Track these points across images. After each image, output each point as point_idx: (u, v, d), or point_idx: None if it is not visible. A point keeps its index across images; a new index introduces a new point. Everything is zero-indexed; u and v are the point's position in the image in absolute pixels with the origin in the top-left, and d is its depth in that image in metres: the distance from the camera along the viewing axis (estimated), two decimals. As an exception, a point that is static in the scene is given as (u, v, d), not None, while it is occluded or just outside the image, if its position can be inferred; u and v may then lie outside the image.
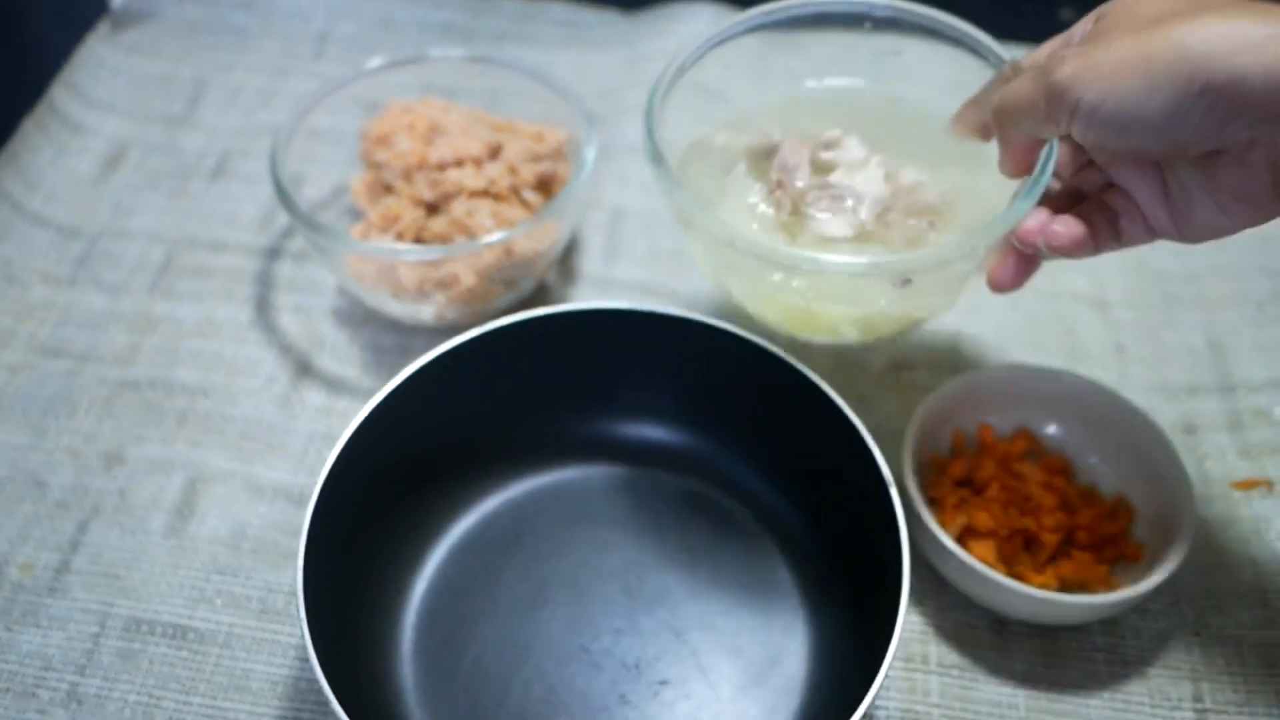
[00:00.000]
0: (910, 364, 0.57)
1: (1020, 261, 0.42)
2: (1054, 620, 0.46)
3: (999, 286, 0.42)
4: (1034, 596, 0.43)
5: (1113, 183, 0.40)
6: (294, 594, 0.48)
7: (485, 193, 0.55)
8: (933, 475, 0.50)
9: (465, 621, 0.46)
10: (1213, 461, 0.53)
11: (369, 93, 0.61)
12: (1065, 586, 0.46)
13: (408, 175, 0.55)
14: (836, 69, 0.52)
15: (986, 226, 0.41)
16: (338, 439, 0.43)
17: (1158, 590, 0.48)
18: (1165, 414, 0.55)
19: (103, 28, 0.75)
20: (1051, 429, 0.52)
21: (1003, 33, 0.79)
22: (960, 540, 0.46)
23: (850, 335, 0.47)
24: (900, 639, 0.38)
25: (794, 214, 0.46)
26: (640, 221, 0.64)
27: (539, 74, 0.60)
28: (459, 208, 0.54)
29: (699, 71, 0.49)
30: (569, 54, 0.75)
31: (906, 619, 0.38)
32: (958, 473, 0.49)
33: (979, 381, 0.50)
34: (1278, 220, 0.37)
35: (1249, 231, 0.38)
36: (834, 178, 0.47)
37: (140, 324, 0.59)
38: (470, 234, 0.53)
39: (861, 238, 0.45)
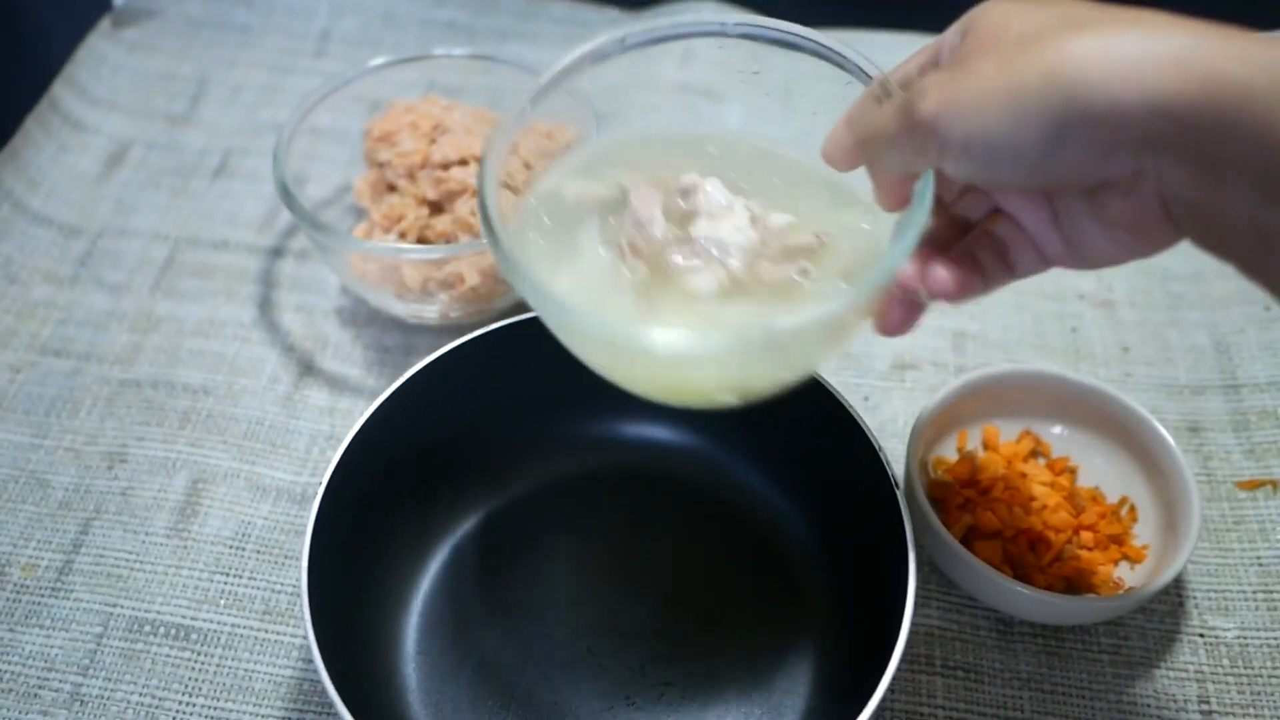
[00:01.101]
0: (915, 364, 0.57)
1: (908, 306, 0.37)
2: (1059, 621, 0.46)
3: (888, 333, 0.37)
4: (1039, 597, 0.43)
5: (999, 209, 0.36)
6: (297, 594, 0.48)
7: (488, 192, 0.55)
8: (937, 476, 0.50)
9: (469, 622, 0.46)
10: (1218, 461, 0.53)
11: (372, 91, 0.61)
12: (1070, 587, 0.46)
13: (411, 174, 0.55)
14: (697, 101, 0.47)
15: (856, 286, 0.35)
16: (341, 439, 0.43)
17: (1163, 591, 0.47)
18: (1170, 413, 0.55)
19: (104, 25, 0.75)
20: (1056, 430, 0.52)
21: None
22: (965, 541, 0.46)
23: (728, 400, 0.41)
24: (905, 640, 0.37)
25: (653, 273, 0.40)
26: (643, 220, 0.63)
27: (542, 73, 0.59)
28: (462, 206, 0.54)
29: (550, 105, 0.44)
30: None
31: (911, 620, 0.38)
32: (962, 473, 0.49)
33: (984, 382, 0.50)
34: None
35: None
36: (695, 228, 0.41)
37: (142, 323, 0.58)
38: (474, 233, 0.53)
39: (732, 293, 0.40)
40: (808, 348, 0.38)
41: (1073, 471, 0.50)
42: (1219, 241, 0.30)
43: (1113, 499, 0.49)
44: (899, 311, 0.36)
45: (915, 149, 0.32)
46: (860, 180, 0.37)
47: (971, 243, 0.36)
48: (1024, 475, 0.49)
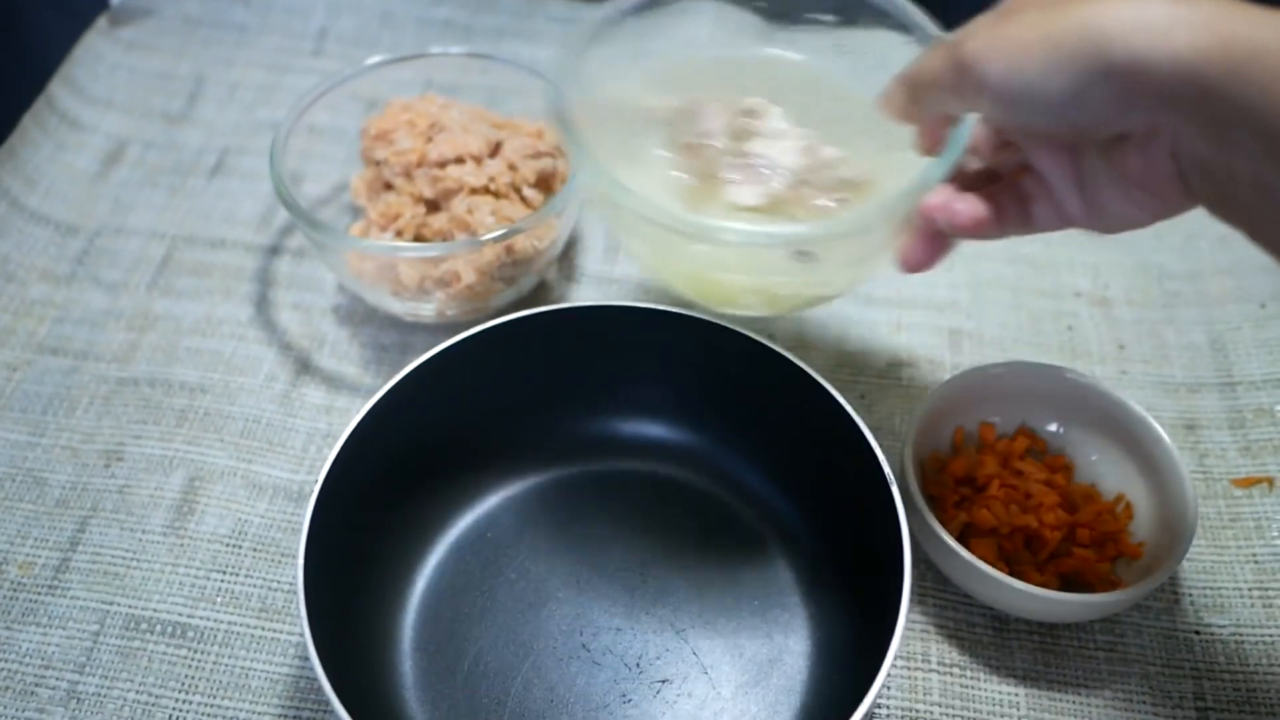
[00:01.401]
0: (911, 362, 0.57)
1: (930, 241, 0.40)
2: (1055, 618, 0.46)
3: (909, 266, 0.40)
4: (1035, 595, 0.43)
5: (1029, 165, 0.38)
6: (294, 592, 0.48)
7: (485, 190, 0.55)
8: (933, 473, 0.50)
9: (465, 619, 0.46)
10: (1214, 459, 0.53)
11: (369, 90, 0.61)
12: (1066, 584, 0.46)
13: (408, 172, 0.55)
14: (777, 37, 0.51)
15: (885, 201, 0.39)
16: (338, 437, 0.43)
17: (1158, 588, 0.48)
18: (1166, 411, 0.55)
19: (101, 23, 0.75)
20: (1052, 427, 0.52)
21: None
22: (961, 538, 0.46)
23: (754, 307, 0.45)
24: (901, 637, 0.38)
25: (705, 180, 0.44)
26: (640, 219, 0.63)
27: (539, 71, 0.59)
28: (459, 205, 0.54)
29: (638, 22, 0.48)
30: (569, 50, 0.75)
31: (907, 617, 0.38)
32: (959, 471, 0.49)
33: (980, 379, 0.50)
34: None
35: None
36: (751, 146, 0.45)
37: (139, 321, 0.58)
38: (470, 231, 0.53)
39: (772, 208, 0.44)
40: (830, 259, 0.41)
41: (1069, 469, 0.50)
42: (1226, 201, 0.32)
43: (1109, 496, 0.49)
44: (922, 245, 0.40)
45: (956, 86, 0.34)
46: (909, 131, 0.40)
47: (997, 190, 0.39)
48: (1020, 473, 0.49)
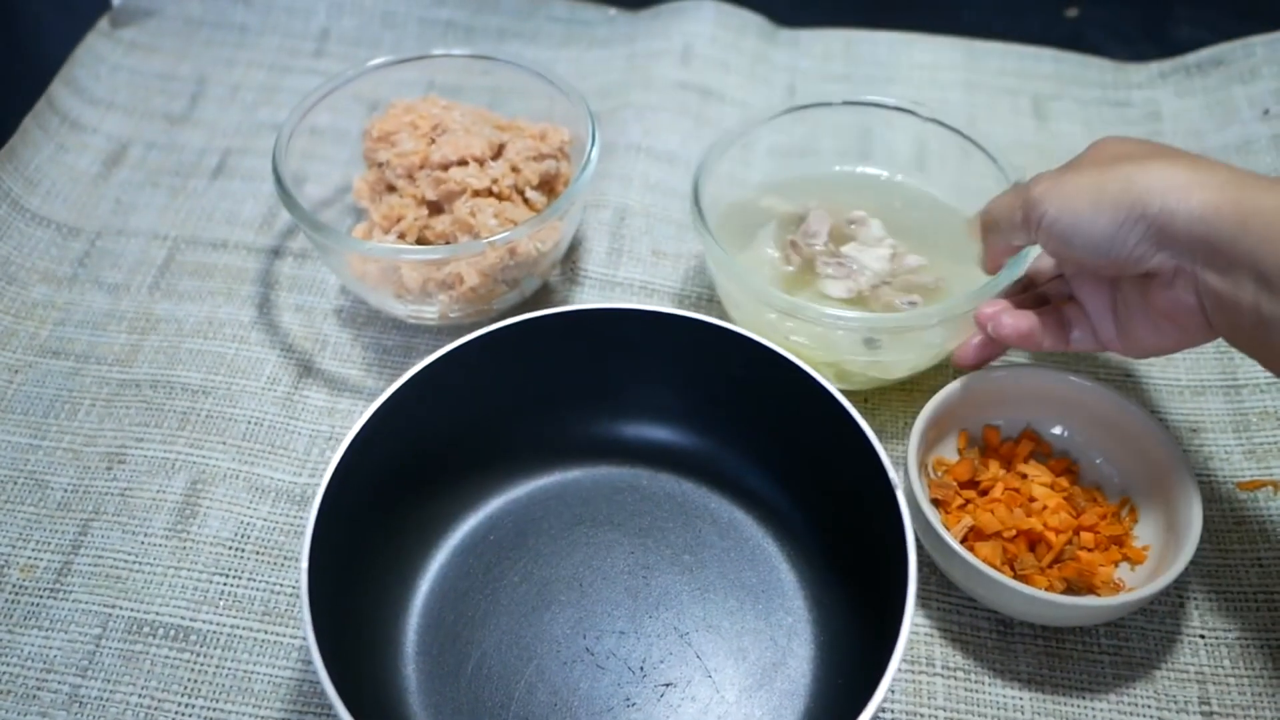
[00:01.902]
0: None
1: (982, 345, 0.48)
2: (1059, 622, 0.46)
3: (960, 364, 0.49)
4: (1040, 598, 0.43)
5: (1073, 296, 0.47)
6: (297, 595, 0.47)
7: (488, 192, 0.54)
8: (937, 476, 0.50)
9: (469, 623, 0.45)
10: (1218, 462, 0.53)
11: (371, 91, 0.61)
12: (1070, 588, 0.46)
13: (410, 174, 0.55)
14: (874, 156, 0.61)
15: (944, 306, 0.49)
16: (340, 439, 0.43)
17: (1163, 592, 0.47)
18: (1171, 414, 0.55)
19: (103, 24, 0.75)
20: (1057, 429, 0.51)
21: (1009, 33, 0.79)
22: (965, 542, 0.46)
23: (828, 376, 0.49)
24: (906, 641, 0.37)
25: (803, 271, 0.54)
26: (644, 221, 0.63)
27: (542, 72, 0.59)
28: (462, 207, 0.54)
29: (750, 140, 0.58)
30: (570, 51, 0.75)
31: (912, 621, 0.38)
32: (962, 474, 0.49)
33: (984, 382, 0.50)
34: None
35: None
36: (847, 248, 0.55)
37: (141, 323, 0.58)
38: (473, 233, 0.53)
39: (855, 301, 0.53)
40: (895, 349, 0.51)
41: (1073, 472, 0.50)
42: (1235, 331, 0.39)
43: (1113, 499, 0.49)
44: (976, 346, 0.49)
45: (1023, 220, 0.43)
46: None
47: (1044, 312, 0.47)
48: (1024, 476, 0.49)
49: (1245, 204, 0.37)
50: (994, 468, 0.49)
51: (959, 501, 0.48)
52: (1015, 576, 0.44)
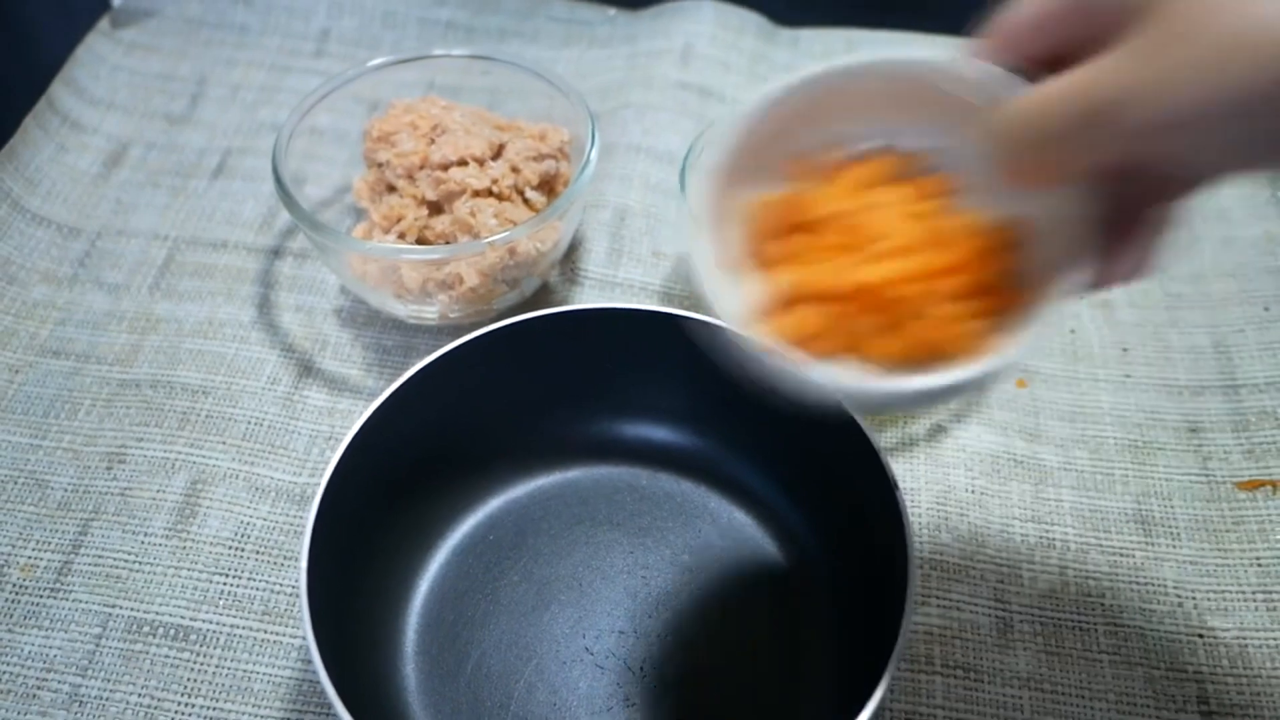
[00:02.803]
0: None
1: None
2: (877, 411, 0.34)
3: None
4: (820, 383, 0.32)
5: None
6: (297, 595, 0.47)
7: (488, 192, 0.55)
8: (763, 223, 0.36)
9: (468, 623, 0.46)
10: (1217, 462, 0.53)
11: (371, 91, 0.61)
12: (922, 359, 0.33)
13: (410, 174, 0.55)
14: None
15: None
16: (340, 439, 0.43)
17: (1161, 591, 0.47)
18: (1169, 414, 0.55)
19: (103, 25, 0.75)
20: (930, 141, 0.36)
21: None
22: (785, 309, 0.34)
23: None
24: (905, 640, 0.37)
25: None
26: (644, 222, 0.64)
27: (542, 72, 0.59)
28: (462, 207, 0.54)
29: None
30: (571, 51, 0.75)
31: (910, 619, 0.38)
32: (783, 215, 0.36)
33: (826, 88, 0.35)
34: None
35: (1255, 231, 0.37)
36: None
37: (141, 324, 0.58)
38: (473, 234, 0.53)
39: None
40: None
41: (949, 194, 0.35)
42: None
43: (996, 228, 0.34)
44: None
45: (1090, 141, 0.28)
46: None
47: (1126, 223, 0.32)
48: (874, 208, 0.35)
49: None
50: (832, 198, 0.35)
51: (780, 254, 0.35)
52: (848, 349, 0.33)
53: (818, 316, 0.34)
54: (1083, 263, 0.31)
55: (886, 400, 0.34)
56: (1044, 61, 0.31)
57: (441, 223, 0.54)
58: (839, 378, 0.32)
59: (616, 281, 0.61)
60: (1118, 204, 0.32)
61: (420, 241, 0.55)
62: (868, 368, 0.34)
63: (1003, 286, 0.34)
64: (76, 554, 0.49)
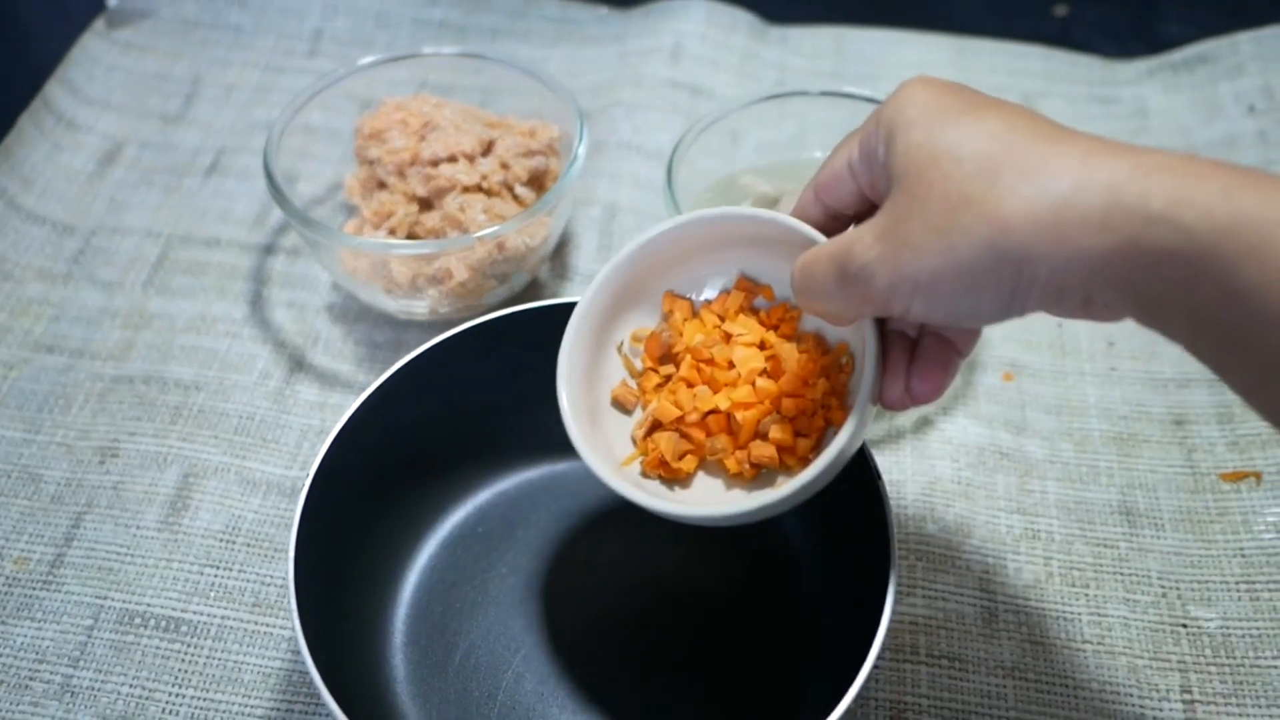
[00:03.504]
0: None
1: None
2: (719, 523, 0.37)
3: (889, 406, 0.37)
4: (660, 511, 0.37)
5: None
6: (286, 587, 0.48)
7: (478, 188, 0.55)
8: (646, 349, 0.42)
9: (457, 614, 0.46)
10: (1202, 453, 0.53)
11: (363, 89, 0.61)
12: (768, 471, 0.39)
13: (401, 171, 0.56)
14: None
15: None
16: (329, 433, 0.43)
17: (1145, 582, 0.48)
18: (1155, 406, 0.55)
19: (98, 25, 0.75)
20: (776, 274, 0.41)
21: (998, 31, 0.80)
22: (647, 437, 0.41)
23: None
24: (889, 629, 0.38)
25: None
26: (633, 217, 0.64)
27: (532, 70, 0.60)
28: (451, 203, 0.54)
29: (729, 122, 0.58)
30: (562, 50, 0.75)
31: (895, 609, 0.38)
32: (654, 350, 0.41)
33: (683, 237, 0.40)
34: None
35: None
36: None
37: (135, 320, 0.59)
38: (463, 229, 0.54)
39: None
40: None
41: (794, 319, 0.41)
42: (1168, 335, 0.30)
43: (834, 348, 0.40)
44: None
45: (872, 310, 0.33)
46: None
47: (926, 348, 0.36)
48: (726, 340, 0.40)
49: (1143, 245, 0.27)
50: (694, 331, 0.40)
51: (655, 382, 0.41)
52: (711, 463, 0.39)
53: (676, 442, 0.40)
54: (871, 386, 0.35)
55: (705, 523, 0.38)
56: (854, 210, 0.37)
57: (431, 218, 0.55)
58: (667, 509, 0.38)
59: (606, 277, 0.61)
60: (913, 334, 0.36)
61: (410, 237, 0.55)
62: (728, 481, 0.40)
63: (833, 404, 0.39)
64: (69, 547, 0.49)
